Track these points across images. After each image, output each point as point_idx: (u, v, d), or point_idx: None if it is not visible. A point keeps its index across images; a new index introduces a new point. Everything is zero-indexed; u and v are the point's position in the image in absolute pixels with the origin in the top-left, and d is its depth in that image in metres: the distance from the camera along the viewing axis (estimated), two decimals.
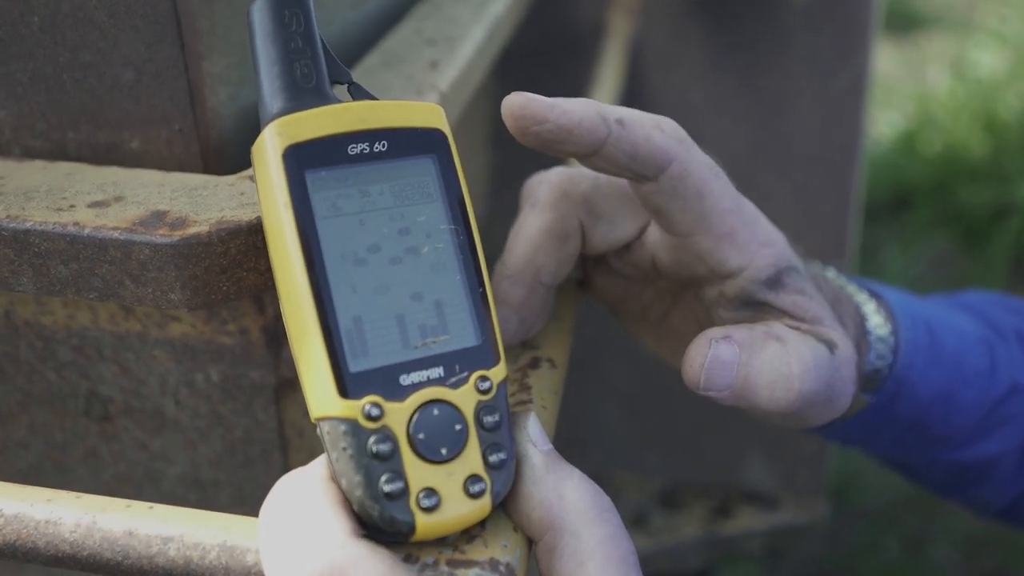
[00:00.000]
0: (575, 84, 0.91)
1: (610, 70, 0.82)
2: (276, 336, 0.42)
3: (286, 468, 0.46)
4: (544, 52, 0.95)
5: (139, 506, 0.33)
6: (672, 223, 0.37)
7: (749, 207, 0.38)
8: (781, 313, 0.39)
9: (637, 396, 1.08)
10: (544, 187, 0.40)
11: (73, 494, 0.33)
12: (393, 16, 0.55)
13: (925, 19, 2.53)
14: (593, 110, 0.35)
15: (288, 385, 0.44)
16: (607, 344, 1.03)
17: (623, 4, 0.94)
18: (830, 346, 0.38)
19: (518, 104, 0.34)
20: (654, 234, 0.41)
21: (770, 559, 1.19)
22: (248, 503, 0.47)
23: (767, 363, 0.36)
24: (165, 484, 0.48)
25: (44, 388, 0.45)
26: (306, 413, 0.46)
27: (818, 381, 0.37)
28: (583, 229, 0.40)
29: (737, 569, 1.18)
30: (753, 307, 0.39)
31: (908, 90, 2.16)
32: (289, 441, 0.45)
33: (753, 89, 0.92)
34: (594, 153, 0.35)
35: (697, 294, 0.42)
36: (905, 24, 2.47)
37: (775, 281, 0.38)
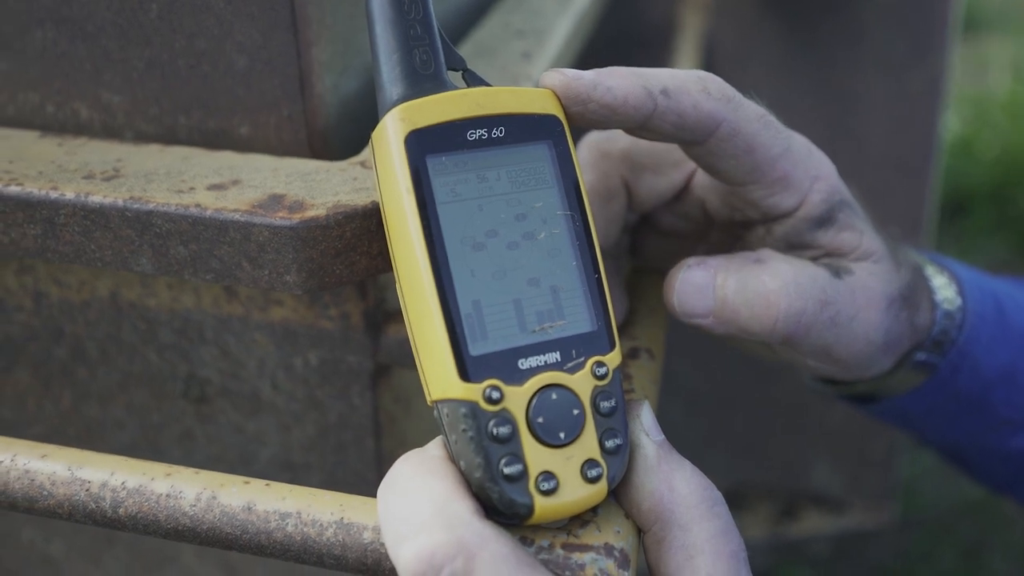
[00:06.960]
0: None
1: (683, 67, 0.82)
2: (376, 321, 0.43)
3: (378, 454, 0.46)
4: (616, 47, 0.95)
5: (257, 483, 0.33)
6: (725, 177, 0.38)
7: (798, 143, 0.38)
8: (824, 253, 0.39)
9: (701, 395, 1.08)
10: (583, 150, 0.40)
11: (191, 469, 0.34)
12: (477, 9, 0.56)
13: (984, 22, 2.48)
14: (638, 84, 0.33)
15: (384, 371, 0.44)
16: (672, 342, 1.03)
17: (696, 1, 0.93)
18: (836, 271, 0.38)
19: (559, 83, 0.33)
20: (702, 179, 0.41)
21: (829, 564, 1.17)
22: (338, 487, 0.47)
23: (741, 282, 0.36)
24: (256, 466, 0.48)
25: (144, 369, 0.46)
26: (399, 399, 0.47)
27: (803, 298, 0.36)
28: (627, 186, 0.40)
29: (792, 573, 1.16)
30: (797, 249, 0.39)
31: (966, 93, 2.13)
32: (382, 427, 0.45)
33: (825, 88, 0.91)
34: (641, 127, 0.35)
35: (746, 246, 0.41)
36: (964, 26, 2.42)
37: (827, 219, 0.38)
